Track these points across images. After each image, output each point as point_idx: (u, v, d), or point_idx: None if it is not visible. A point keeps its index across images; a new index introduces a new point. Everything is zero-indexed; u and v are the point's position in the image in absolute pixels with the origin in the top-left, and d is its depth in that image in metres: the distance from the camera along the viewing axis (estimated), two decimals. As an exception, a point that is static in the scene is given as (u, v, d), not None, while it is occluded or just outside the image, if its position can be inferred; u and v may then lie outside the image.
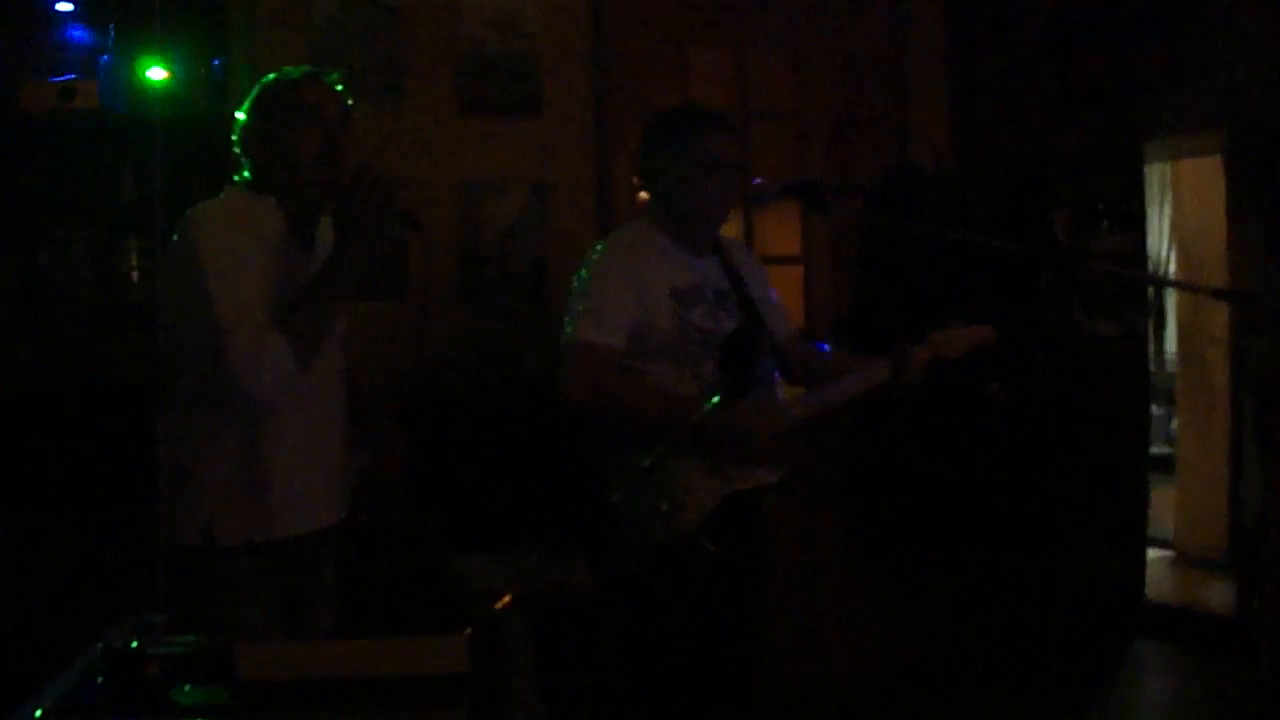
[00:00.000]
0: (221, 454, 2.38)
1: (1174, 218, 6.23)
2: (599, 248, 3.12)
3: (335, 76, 2.51)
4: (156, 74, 4.23)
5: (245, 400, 2.30)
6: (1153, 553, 5.40)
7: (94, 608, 3.57)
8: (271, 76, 2.52)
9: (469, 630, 1.97)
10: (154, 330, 2.47)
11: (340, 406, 2.60)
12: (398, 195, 2.36)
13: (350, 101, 2.51)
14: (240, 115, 2.50)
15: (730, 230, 5.60)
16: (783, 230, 4.77)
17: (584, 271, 3.05)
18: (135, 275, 4.10)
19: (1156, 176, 5.92)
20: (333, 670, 1.86)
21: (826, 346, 3.80)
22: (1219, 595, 5.33)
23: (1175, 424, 6.41)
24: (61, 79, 4.06)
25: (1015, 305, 4.28)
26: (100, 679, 1.80)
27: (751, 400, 2.92)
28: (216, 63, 4.21)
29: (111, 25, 4.17)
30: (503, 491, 3.91)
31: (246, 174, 2.49)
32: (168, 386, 2.44)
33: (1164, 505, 5.80)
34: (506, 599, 2.80)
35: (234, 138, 2.50)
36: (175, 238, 2.36)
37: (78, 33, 4.26)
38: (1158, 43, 4.66)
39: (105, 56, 4.15)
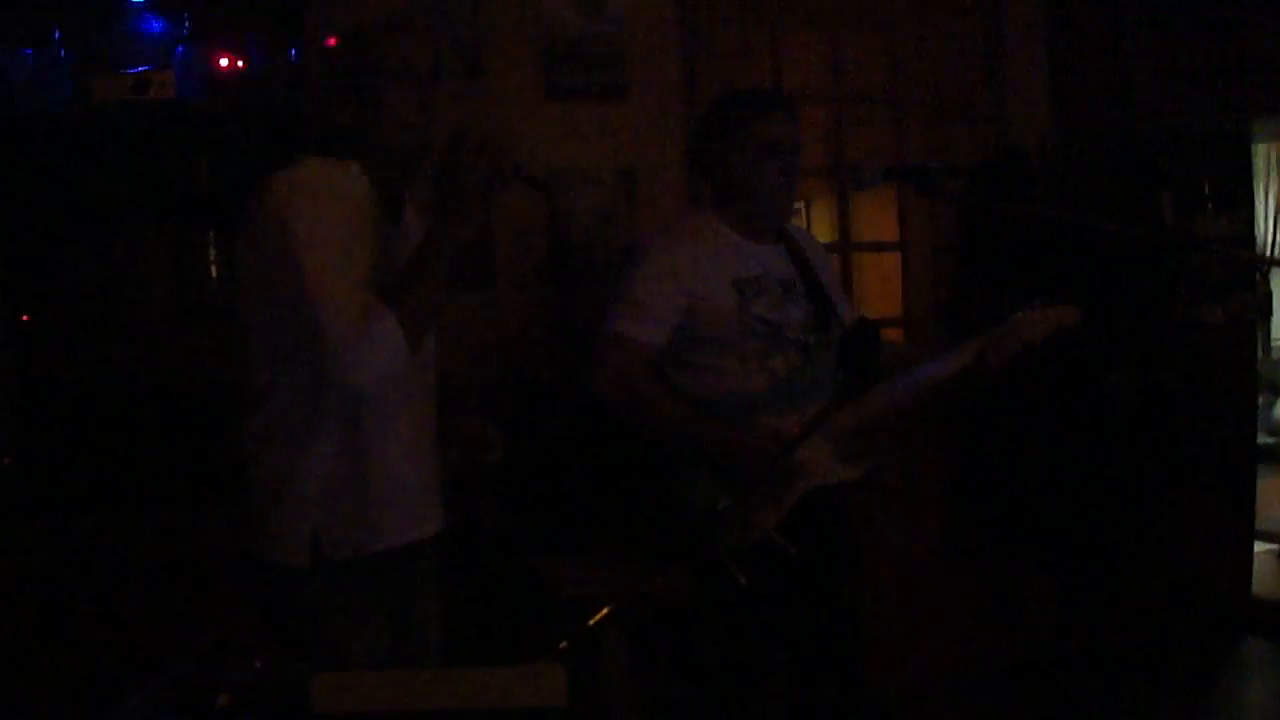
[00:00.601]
0: (322, 459, 2.17)
1: (1278, 199, 6.00)
2: (649, 240, 3.01)
3: (422, 27, 2.36)
4: (233, 64, 4.13)
5: (349, 391, 2.08)
6: (1259, 546, 5.20)
7: (173, 615, 3.52)
8: (356, 26, 2.32)
9: (564, 645, 1.82)
10: (234, 326, 2.30)
11: (434, 401, 2.40)
12: (510, 154, 2.15)
13: (440, 50, 2.37)
14: (323, 71, 2.32)
15: (823, 215, 5.51)
16: (880, 216, 4.60)
17: (630, 263, 2.94)
18: (214, 270, 3.98)
19: (1261, 157, 5.71)
20: (416, 704, 1.64)
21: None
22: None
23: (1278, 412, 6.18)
24: (136, 70, 3.94)
25: (1134, 293, 4.08)
26: (166, 708, 1.63)
27: (764, 420, 2.79)
28: (293, 52, 4.09)
29: (186, 15, 4.06)
30: (593, 491, 3.77)
31: (324, 138, 2.29)
32: (253, 387, 2.22)
33: (1268, 497, 5.58)
34: (604, 612, 2.67)
35: (315, 97, 2.36)
36: (252, 213, 2.15)
37: (152, 23, 4.15)
38: (1266, 20, 4.48)
39: (180, 47, 4.04)
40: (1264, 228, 6.07)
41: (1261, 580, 5.06)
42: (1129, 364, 3.58)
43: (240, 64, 4.15)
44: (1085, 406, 3.95)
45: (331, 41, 2.33)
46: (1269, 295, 5.81)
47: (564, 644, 2.37)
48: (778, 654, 2.93)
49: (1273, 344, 6.33)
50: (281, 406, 2.18)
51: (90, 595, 3.54)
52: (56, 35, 3.94)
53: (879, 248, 4.63)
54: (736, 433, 2.75)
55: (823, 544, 2.88)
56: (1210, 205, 4.72)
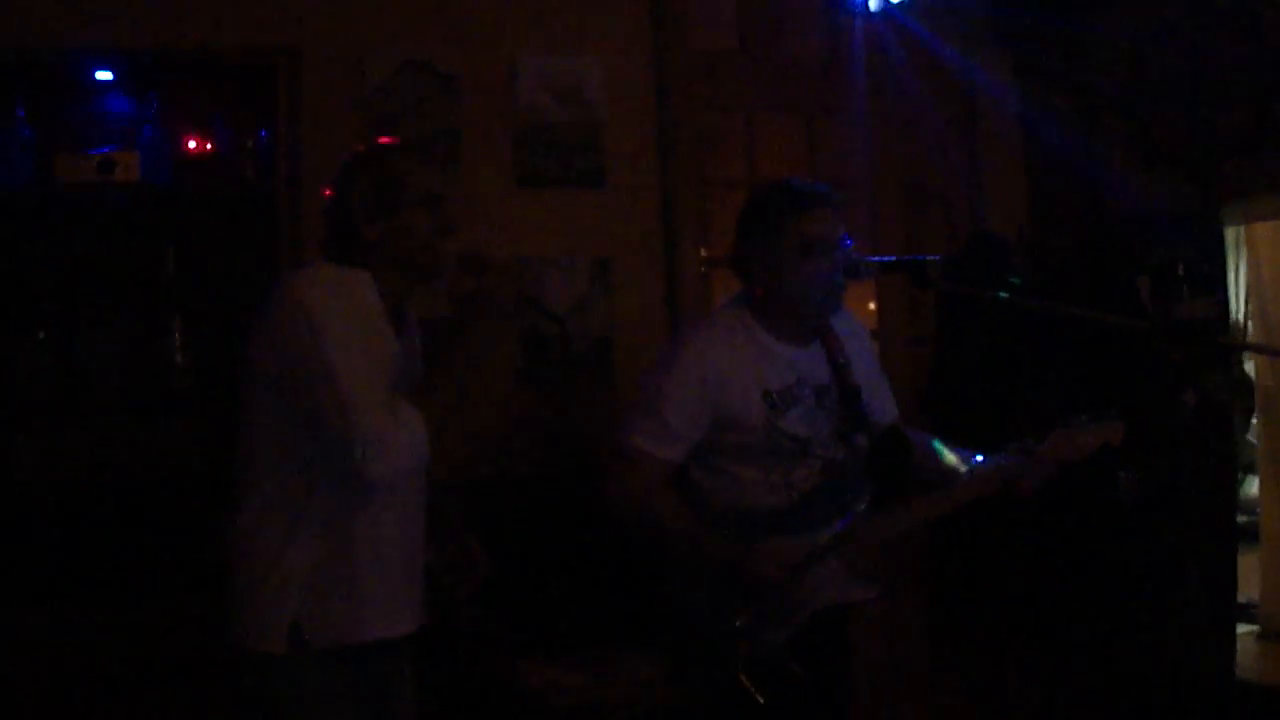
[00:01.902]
0: (310, 549, 2.21)
1: (1250, 280, 6.02)
2: (686, 335, 2.90)
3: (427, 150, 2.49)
4: (201, 145, 4.06)
5: (370, 482, 2.15)
6: (1240, 628, 5.17)
7: (125, 711, 3.40)
8: (373, 149, 2.42)
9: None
10: (199, 417, 2.29)
11: (424, 499, 2.43)
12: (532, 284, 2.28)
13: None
14: (342, 185, 2.34)
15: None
16: (857, 305, 4.55)
17: (662, 361, 2.83)
18: (179, 358, 3.88)
19: (1230, 239, 5.73)
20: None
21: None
22: (1310, 674, 5.13)
23: (1255, 491, 6.17)
24: (101, 150, 3.86)
25: (1138, 386, 4.04)
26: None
27: (774, 541, 2.68)
28: (264, 135, 4.02)
29: (154, 95, 3.99)
30: (574, 591, 3.68)
31: (335, 248, 2.35)
32: (245, 479, 2.28)
33: (1245, 576, 5.56)
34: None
35: (333, 208, 2.34)
36: (271, 311, 2.21)
37: (118, 102, 4.07)
38: (1242, 105, 4.50)
39: (147, 127, 3.96)
40: (1236, 308, 6.09)
41: (1243, 663, 5.02)
42: (1134, 456, 3.53)
43: (208, 145, 4.08)
44: (1089, 499, 3.90)
45: (327, 192, 2.39)
46: (1246, 377, 5.83)
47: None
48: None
49: (1251, 423, 6.35)
50: (273, 497, 2.24)
51: (39, 692, 3.43)
52: (20, 112, 3.85)
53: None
54: (741, 559, 2.65)
55: (827, 664, 2.78)
56: (1185, 288, 4.71)
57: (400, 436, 2.14)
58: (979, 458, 2.88)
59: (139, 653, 3.51)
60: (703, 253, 4.24)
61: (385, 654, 2.34)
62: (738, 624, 2.48)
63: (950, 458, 2.94)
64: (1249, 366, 5.93)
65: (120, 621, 3.54)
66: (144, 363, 3.91)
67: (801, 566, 2.61)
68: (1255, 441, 6.23)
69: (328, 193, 2.36)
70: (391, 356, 2.27)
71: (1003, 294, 2.99)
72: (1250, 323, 6.12)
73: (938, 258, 3.07)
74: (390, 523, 2.28)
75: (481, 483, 3.76)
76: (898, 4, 4.49)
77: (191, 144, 4.06)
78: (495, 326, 2.35)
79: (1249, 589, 5.60)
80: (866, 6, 4.47)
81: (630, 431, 2.74)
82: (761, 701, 2.41)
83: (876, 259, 2.90)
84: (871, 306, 4.68)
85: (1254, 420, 6.24)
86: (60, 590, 3.61)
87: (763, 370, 2.79)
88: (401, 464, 2.17)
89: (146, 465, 3.77)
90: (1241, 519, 6.09)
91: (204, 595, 3.42)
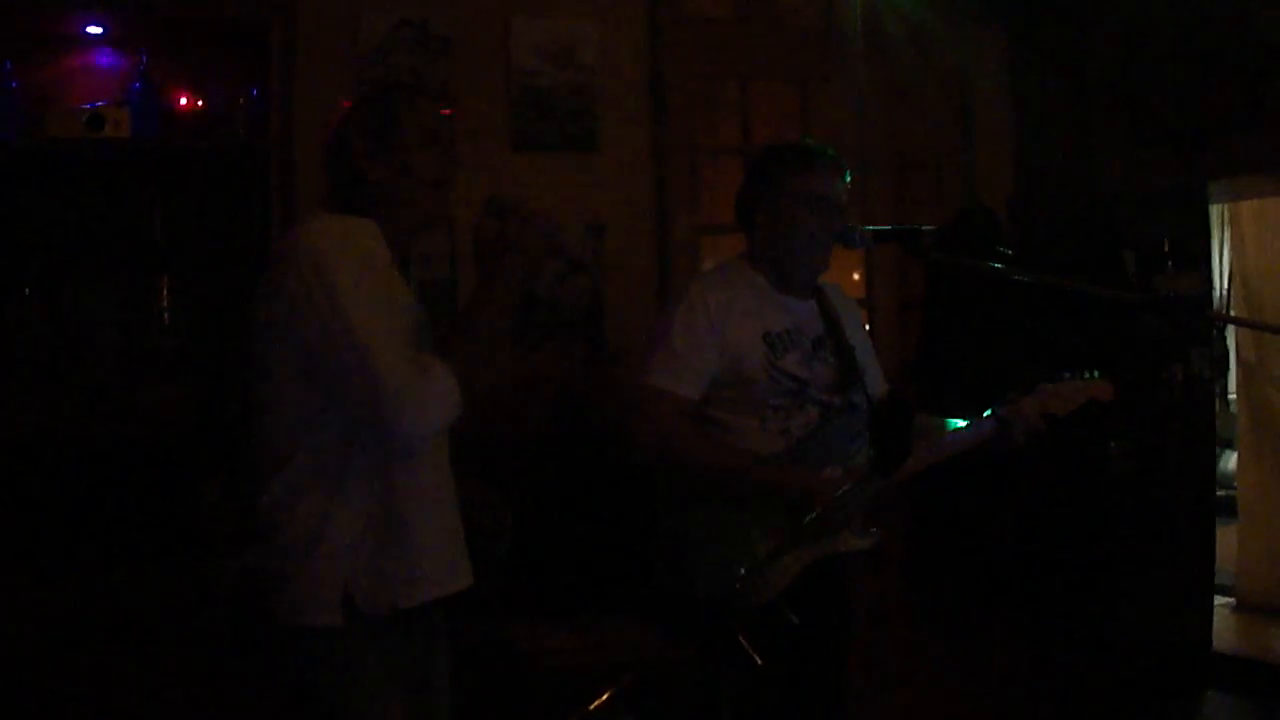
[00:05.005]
0: (356, 513, 2.13)
1: (1233, 258, 6.07)
2: (687, 287, 2.94)
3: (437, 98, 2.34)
4: (191, 103, 4.02)
5: (404, 439, 2.07)
6: (1217, 600, 5.23)
7: (113, 676, 3.39)
8: (375, 92, 2.36)
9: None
10: (187, 378, 2.23)
11: (448, 457, 2.36)
12: (559, 232, 2.25)
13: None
14: (343, 132, 2.27)
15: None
16: (845, 274, 4.56)
17: (668, 311, 2.89)
18: (167, 318, 3.85)
19: (1216, 216, 5.77)
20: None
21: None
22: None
23: (1232, 466, 6.24)
24: (91, 106, 3.81)
25: (1134, 358, 4.07)
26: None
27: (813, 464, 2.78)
28: (255, 93, 3.98)
29: (144, 50, 3.94)
30: (566, 555, 3.69)
31: (337, 196, 2.29)
32: (276, 447, 2.17)
33: (1222, 550, 5.64)
34: (605, 697, 2.59)
35: (333, 156, 2.28)
36: (282, 270, 2.12)
37: (108, 58, 4.02)
38: (1231, 84, 4.52)
39: (137, 83, 3.91)
40: (1219, 285, 6.14)
41: (1220, 634, 5.09)
42: (1124, 426, 3.56)
43: (199, 102, 4.04)
44: (1077, 468, 3.93)
45: (347, 104, 2.32)
46: (1225, 353, 5.87)
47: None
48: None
49: (1229, 399, 6.41)
50: (310, 464, 2.14)
51: (25, 652, 3.41)
52: (8, 65, 3.80)
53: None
54: (792, 473, 2.71)
55: (825, 614, 2.82)
56: (1170, 264, 4.75)
57: (429, 388, 2.06)
58: (962, 423, 2.97)
59: (126, 613, 3.48)
60: (693, 219, 4.24)
61: (428, 618, 2.29)
62: (738, 584, 2.49)
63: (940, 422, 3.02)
64: (1230, 343, 5.99)
65: (106, 582, 3.50)
66: (132, 321, 3.87)
67: (844, 491, 2.67)
68: (1235, 415, 6.30)
69: (328, 140, 2.29)
70: (406, 308, 2.22)
71: (996, 265, 3.00)
72: (1232, 299, 6.20)
73: (932, 228, 3.12)
74: (431, 480, 2.23)
75: (470, 445, 3.75)
76: (892, -27, 4.49)
77: (183, 100, 4.02)
78: (521, 275, 2.23)
79: (1225, 563, 5.68)
80: (862, -25, 4.47)
81: (648, 374, 2.80)
82: (760, 663, 2.43)
83: (873, 228, 2.95)
84: (856, 277, 4.70)
85: (1231, 396, 6.33)
86: (46, 550, 3.56)
87: (762, 312, 2.87)
88: (432, 418, 2.08)
89: (134, 424, 3.72)
90: (1222, 493, 6.17)
91: (190, 556, 3.45)
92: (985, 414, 2.95)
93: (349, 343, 2.04)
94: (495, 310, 2.21)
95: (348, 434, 2.13)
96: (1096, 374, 3.03)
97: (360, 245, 2.17)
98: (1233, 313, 6.00)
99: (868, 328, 4.49)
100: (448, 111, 2.36)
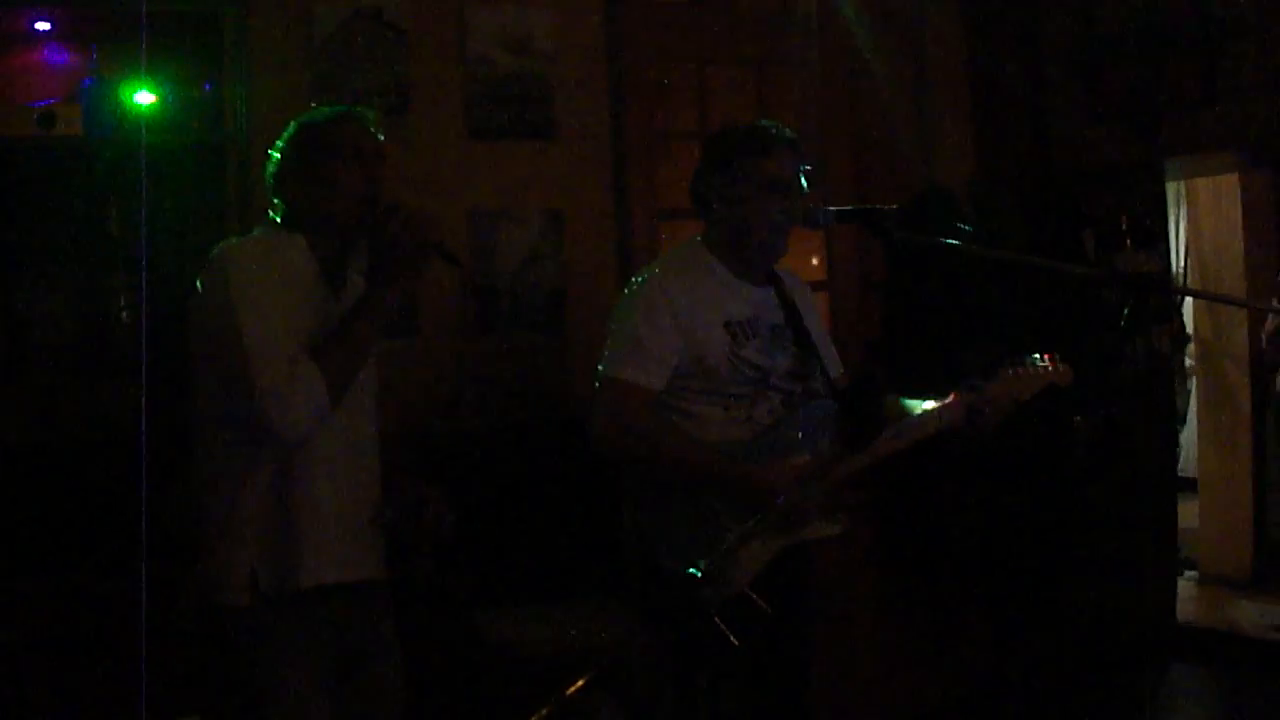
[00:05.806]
0: (256, 501, 2.32)
1: (1189, 234, 6.12)
2: (645, 274, 2.91)
3: (372, 115, 2.46)
4: (144, 98, 3.98)
5: (275, 436, 2.24)
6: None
7: (74, 684, 3.34)
8: (308, 115, 2.47)
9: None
10: (145, 376, 2.51)
11: (374, 458, 2.51)
12: (435, 230, 2.34)
13: (383, 138, 2.45)
14: (274, 153, 2.43)
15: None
16: (803, 255, 4.56)
17: (628, 299, 2.86)
18: (125, 316, 3.82)
19: (1172, 193, 5.82)
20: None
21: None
22: (1248, 615, 5.30)
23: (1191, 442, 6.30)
24: (41, 103, 3.77)
25: (1097, 334, 4.09)
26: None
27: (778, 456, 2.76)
28: (209, 87, 3.95)
29: (95, 46, 3.90)
30: (531, 543, 3.68)
31: (276, 213, 2.44)
32: (198, 440, 2.38)
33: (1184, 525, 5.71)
34: (580, 684, 2.59)
35: (268, 175, 2.44)
36: (202, 278, 2.32)
37: (58, 54, 3.98)
38: (1189, 62, 4.55)
39: (88, 80, 3.88)
40: (1175, 262, 6.20)
41: (1183, 607, 5.15)
42: (1087, 400, 3.58)
43: (153, 98, 4.00)
44: (1042, 444, 3.95)
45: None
46: (1183, 328, 5.93)
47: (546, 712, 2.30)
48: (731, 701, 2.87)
49: (1188, 375, 6.48)
50: (221, 457, 2.35)
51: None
52: (-45, 64, 3.77)
53: (805, 286, 4.60)
54: (753, 469, 2.70)
55: (792, 600, 2.81)
56: (1129, 241, 4.78)
57: (296, 388, 2.20)
58: (929, 404, 2.94)
59: (81, 616, 3.45)
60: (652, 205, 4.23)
61: (350, 599, 2.40)
62: (705, 567, 2.49)
63: (907, 404, 3.01)
64: (1187, 320, 6.05)
65: (62, 585, 3.48)
66: (88, 321, 3.83)
67: (808, 480, 2.66)
68: (1191, 391, 6.37)
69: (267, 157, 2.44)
70: (323, 316, 2.34)
71: (957, 243, 3.00)
72: (1189, 276, 6.25)
73: (894, 207, 3.12)
74: (323, 475, 2.35)
75: (435, 435, 3.75)
76: (848, -46, 4.49)
77: (136, 96, 3.98)
78: (409, 275, 2.35)
79: (1186, 536, 5.74)
80: (816, -43, 4.47)
81: (614, 367, 2.77)
82: (736, 644, 2.43)
83: (835, 209, 2.87)
84: (815, 261, 4.70)
85: (1189, 370, 6.39)
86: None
87: (723, 300, 2.84)
88: (300, 416, 2.22)
89: (90, 425, 3.69)
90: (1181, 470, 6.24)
91: (149, 559, 3.41)
92: (948, 398, 2.91)
93: (234, 346, 2.21)
94: (381, 312, 2.33)
95: (249, 431, 2.28)
96: (1057, 356, 3.02)
97: (277, 259, 2.33)
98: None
99: (829, 309, 4.52)
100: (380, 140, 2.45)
